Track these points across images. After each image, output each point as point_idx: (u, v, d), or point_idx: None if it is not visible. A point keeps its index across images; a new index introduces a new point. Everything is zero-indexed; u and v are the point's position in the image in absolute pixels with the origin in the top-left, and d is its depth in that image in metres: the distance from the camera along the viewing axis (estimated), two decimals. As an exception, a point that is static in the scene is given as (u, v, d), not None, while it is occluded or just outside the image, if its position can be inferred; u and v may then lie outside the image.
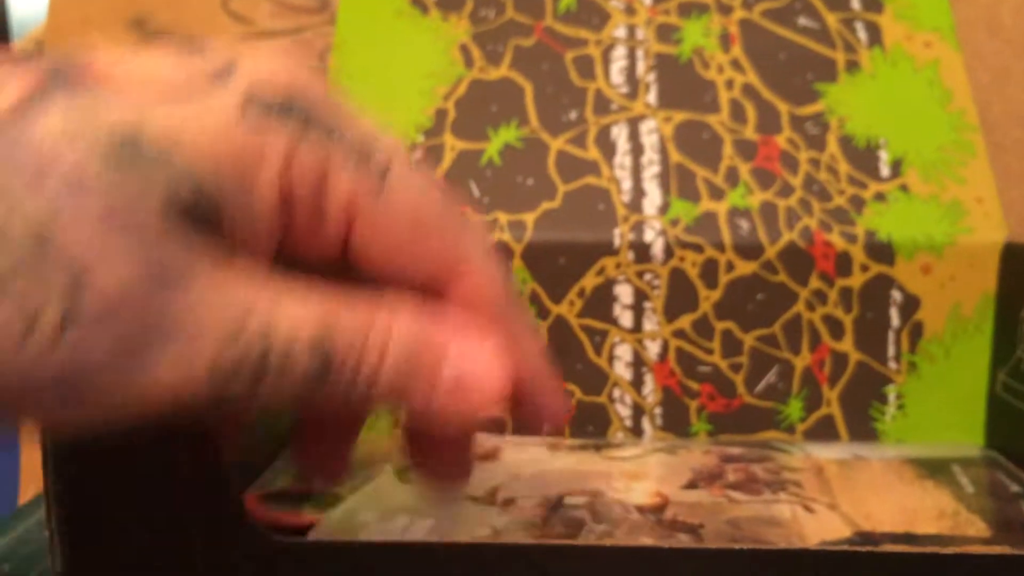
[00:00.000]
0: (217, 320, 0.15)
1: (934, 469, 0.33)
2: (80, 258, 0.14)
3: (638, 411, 0.35)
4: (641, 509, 0.28)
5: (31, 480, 0.58)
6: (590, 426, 0.35)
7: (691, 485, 0.31)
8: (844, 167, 0.36)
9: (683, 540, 0.26)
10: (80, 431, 0.16)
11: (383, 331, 0.16)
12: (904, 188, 0.36)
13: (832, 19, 0.39)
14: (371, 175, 0.17)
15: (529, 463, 0.32)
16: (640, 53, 0.38)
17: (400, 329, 0.17)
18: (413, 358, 0.17)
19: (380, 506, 0.28)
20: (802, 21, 0.39)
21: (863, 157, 0.37)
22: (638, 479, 0.31)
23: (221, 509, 0.20)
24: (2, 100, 0.15)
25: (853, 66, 0.38)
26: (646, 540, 0.26)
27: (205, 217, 0.15)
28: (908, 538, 0.27)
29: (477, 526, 0.26)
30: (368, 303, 0.17)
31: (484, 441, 0.34)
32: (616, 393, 0.35)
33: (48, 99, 0.15)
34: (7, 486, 0.55)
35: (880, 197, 0.36)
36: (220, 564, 0.20)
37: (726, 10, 0.39)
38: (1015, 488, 0.31)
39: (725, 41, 0.38)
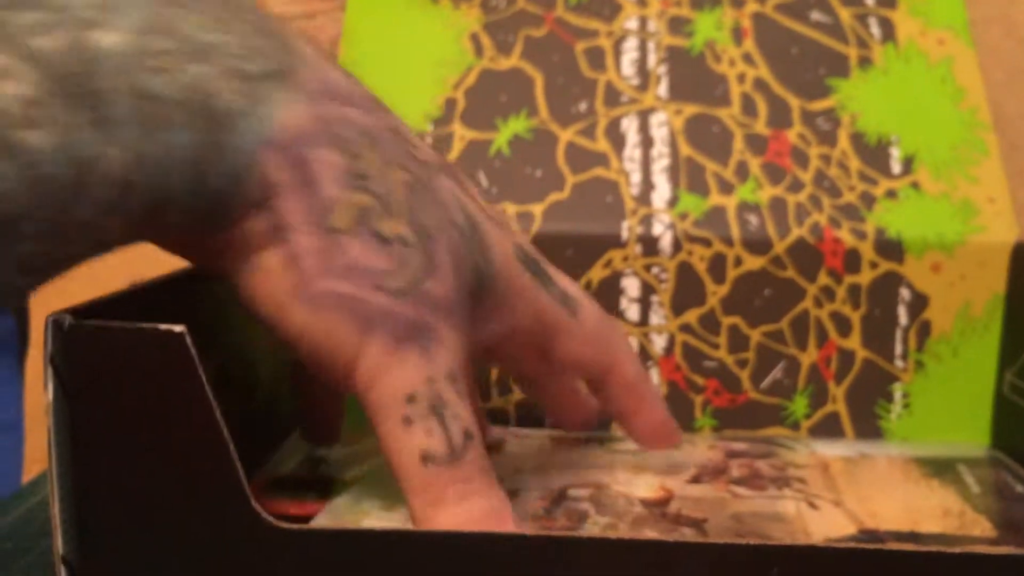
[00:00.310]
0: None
1: (940, 468, 0.33)
2: (442, 270, 0.22)
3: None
4: (645, 502, 0.28)
5: (36, 459, 0.58)
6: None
7: (695, 480, 0.31)
8: (855, 163, 0.36)
9: (687, 534, 0.26)
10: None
11: None
12: (915, 186, 0.36)
13: (845, 14, 0.38)
14: (568, 310, 0.26)
15: (533, 456, 0.32)
16: (651, 45, 0.38)
17: None
18: None
19: (385, 494, 0.28)
20: (815, 16, 0.38)
21: (874, 154, 0.36)
22: (642, 473, 0.31)
23: (226, 495, 0.20)
24: (426, 155, 0.23)
25: (866, 62, 0.38)
26: (650, 533, 0.26)
27: (480, 295, 0.24)
28: (913, 537, 0.27)
29: None
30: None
31: (488, 434, 0.34)
32: (621, 386, 0.35)
33: (443, 172, 0.24)
34: (12, 464, 0.56)
35: (891, 194, 0.36)
36: (224, 550, 0.20)
37: (739, 3, 0.38)
38: (1020, 488, 0.31)
39: (737, 34, 0.38)
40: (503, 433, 0.35)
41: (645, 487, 0.30)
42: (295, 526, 0.20)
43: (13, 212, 0.18)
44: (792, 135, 0.37)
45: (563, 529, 0.26)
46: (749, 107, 0.37)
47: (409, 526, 0.25)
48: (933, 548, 0.20)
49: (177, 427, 0.20)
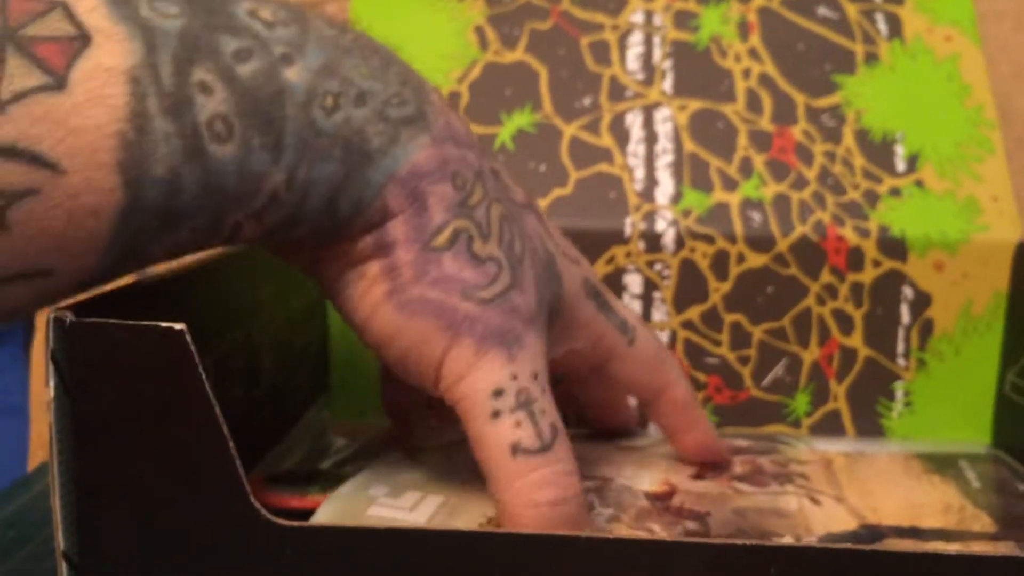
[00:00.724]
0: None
1: (941, 464, 0.33)
2: (527, 287, 0.25)
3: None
4: (649, 496, 0.29)
5: (40, 447, 0.58)
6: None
7: (698, 476, 0.31)
8: (859, 161, 0.36)
9: (690, 527, 0.27)
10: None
11: None
12: (919, 184, 0.36)
13: (852, 9, 0.38)
14: (626, 338, 0.29)
15: None
16: (657, 40, 0.38)
17: None
18: None
19: (390, 482, 0.28)
20: (822, 11, 0.38)
21: (879, 151, 0.36)
22: (647, 468, 0.31)
23: (225, 492, 0.20)
24: (518, 196, 0.27)
25: (872, 58, 0.37)
26: (653, 526, 0.26)
27: (552, 318, 0.26)
28: (913, 532, 0.27)
29: (485, 504, 0.26)
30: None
31: None
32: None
33: (529, 210, 0.27)
34: (17, 448, 0.56)
35: (895, 192, 0.36)
36: (223, 546, 0.20)
37: (745, -2, 0.38)
38: (1023, 487, 0.31)
39: (743, 29, 0.38)
40: None
41: (649, 481, 0.30)
42: (293, 523, 0.20)
43: (185, 208, 0.20)
44: (797, 132, 0.36)
45: None
46: (754, 103, 0.37)
47: (415, 513, 0.25)
48: (930, 549, 0.20)
49: (177, 425, 0.20)
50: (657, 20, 0.38)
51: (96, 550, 0.20)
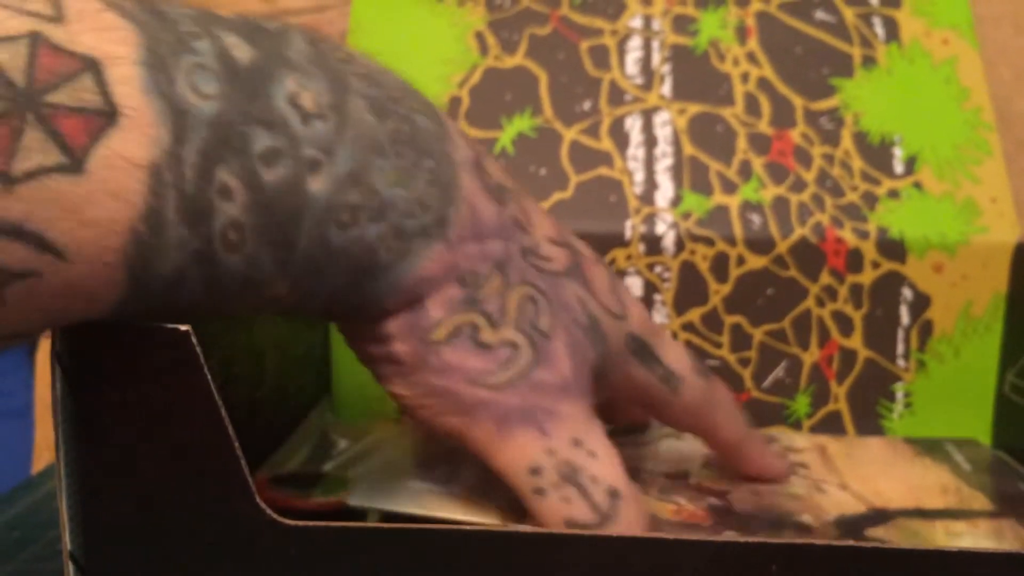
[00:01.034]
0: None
1: (929, 446, 0.33)
2: (555, 360, 0.24)
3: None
4: (666, 475, 0.29)
5: (45, 449, 0.58)
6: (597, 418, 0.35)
7: (706, 466, 0.31)
8: (858, 163, 0.36)
9: (713, 502, 0.27)
10: None
11: None
12: (918, 186, 0.36)
13: (849, 13, 0.38)
14: (670, 388, 0.28)
15: None
16: (656, 44, 0.38)
17: None
18: None
19: (414, 456, 0.28)
20: (819, 15, 0.38)
21: (877, 153, 0.36)
22: (652, 460, 0.32)
23: (230, 492, 0.20)
24: (555, 264, 0.25)
25: (869, 61, 0.38)
26: (679, 499, 0.27)
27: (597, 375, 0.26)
28: (920, 513, 0.27)
29: (511, 490, 0.26)
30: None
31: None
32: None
33: (570, 277, 0.26)
34: (22, 450, 0.56)
35: (893, 194, 0.36)
36: (228, 546, 0.20)
37: (743, 2, 0.38)
38: (1023, 485, 0.31)
39: (742, 33, 0.38)
40: None
41: (665, 463, 0.30)
42: (299, 523, 0.20)
43: (184, 302, 0.20)
44: (795, 135, 0.37)
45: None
46: (753, 106, 0.37)
47: (449, 485, 0.25)
48: (932, 548, 0.20)
49: (182, 425, 0.20)
50: (656, 25, 0.38)
51: (102, 550, 0.20)
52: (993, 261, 0.35)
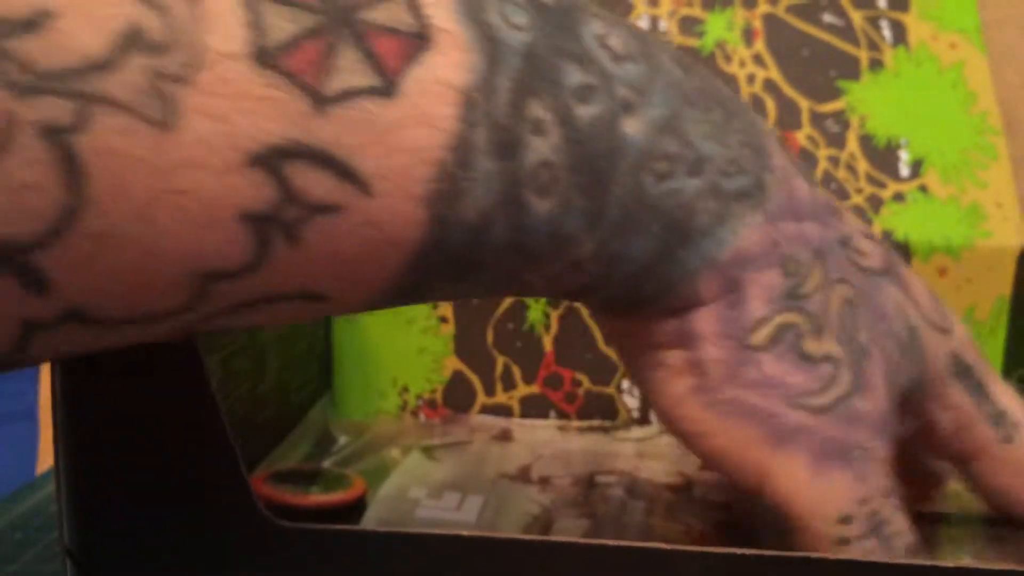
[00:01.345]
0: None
1: None
2: (873, 387, 0.21)
3: (646, 403, 0.35)
4: (670, 489, 0.29)
5: (49, 452, 0.59)
6: (597, 416, 0.35)
7: (703, 467, 0.31)
8: (863, 166, 0.36)
9: (720, 518, 0.27)
10: None
11: None
12: (923, 189, 0.36)
13: (857, 16, 0.38)
14: (1000, 433, 0.24)
15: (545, 443, 0.33)
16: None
17: None
18: None
19: (426, 483, 0.28)
20: (827, 18, 0.38)
21: (883, 156, 0.36)
22: (651, 459, 0.32)
23: (229, 492, 0.20)
24: (872, 261, 0.22)
25: (877, 64, 0.38)
26: (688, 519, 0.27)
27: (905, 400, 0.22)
28: (935, 516, 0.27)
29: (526, 503, 0.26)
30: None
31: (493, 424, 0.35)
32: (625, 384, 0.35)
33: (888, 277, 0.22)
34: (27, 453, 0.56)
35: (899, 197, 0.36)
36: (226, 546, 0.20)
37: (750, 4, 0.38)
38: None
39: (748, 35, 0.38)
40: (508, 424, 0.35)
41: (662, 473, 0.30)
42: (296, 525, 0.20)
43: (482, 261, 0.18)
44: (801, 137, 0.37)
45: (604, 516, 0.27)
46: (758, 108, 0.37)
47: (460, 514, 0.26)
48: (928, 562, 0.20)
49: (181, 424, 0.20)
50: (662, 26, 0.38)
51: (100, 547, 0.20)
52: (998, 265, 0.35)
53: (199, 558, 0.20)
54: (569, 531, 0.26)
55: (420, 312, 0.36)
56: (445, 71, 0.16)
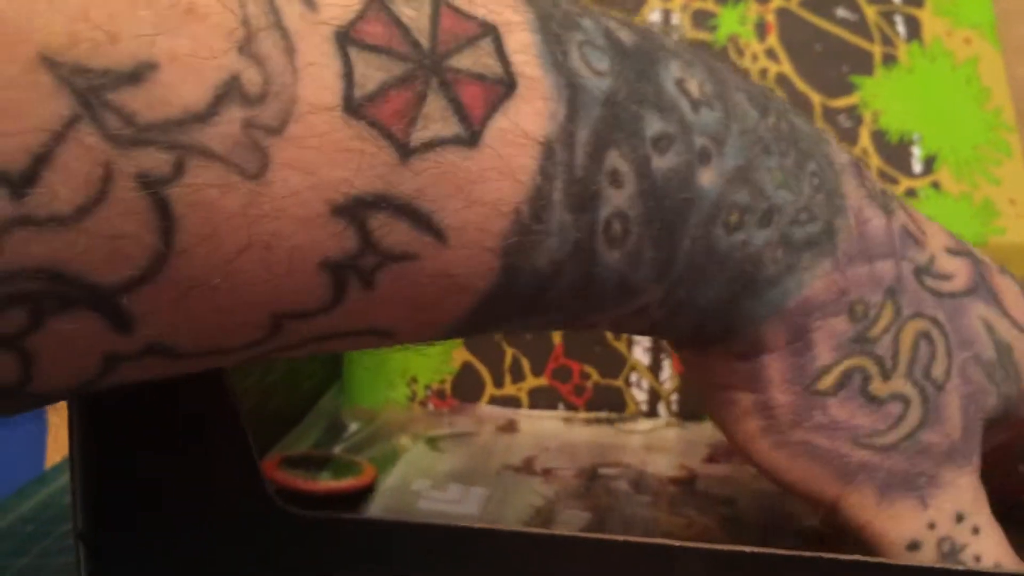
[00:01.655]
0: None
1: None
2: (946, 418, 0.21)
3: (654, 396, 0.35)
4: (673, 482, 0.29)
5: (57, 446, 0.59)
6: (606, 409, 0.35)
7: (711, 460, 0.31)
8: (876, 161, 0.36)
9: (723, 512, 0.27)
10: None
11: None
12: (936, 185, 0.36)
13: (871, 11, 0.38)
14: None
15: (550, 435, 0.33)
16: (674, 38, 0.38)
17: None
18: None
19: (430, 475, 0.29)
20: (840, 12, 0.38)
21: (895, 152, 0.36)
22: (657, 451, 0.32)
23: (240, 478, 0.20)
24: (957, 283, 0.22)
25: (890, 60, 0.37)
26: (690, 512, 0.27)
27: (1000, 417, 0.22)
28: None
29: (529, 495, 0.26)
30: None
31: (500, 414, 0.35)
32: (633, 377, 0.35)
33: (974, 295, 0.22)
34: (35, 449, 0.56)
35: (911, 193, 0.35)
36: (237, 532, 0.21)
37: (764, -2, 0.38)
38: None
39: (761, 30, 0.38)
40: (514, 414, 0.35)
41: (666, 465, 0.30)
42: (307, 512, 0.21)
43: (550, 303, 0.18)
44: (813, 132, 0.36)
45: (608, 507, 0.27)
46: (771, 102, 0.37)
47: (462, 505, 0.26)
48: (935, 564, 0.20)
49: (193, 409, 0.20)
50: (675, 19, 0.38)
51: (111, 531, 0.21)
52: (1011, 263, 0.35)
53: (209, 543, 0.21)
54: (571, 524, 0.26)
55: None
56: (528, 120, 0.16)
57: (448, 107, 0.15)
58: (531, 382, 0.36)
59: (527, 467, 0.30)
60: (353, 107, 0.14)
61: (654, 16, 0.38)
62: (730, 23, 0.38)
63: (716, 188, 0.18)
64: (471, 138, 0.15)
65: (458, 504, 0.27)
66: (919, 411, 0.21)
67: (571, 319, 0.19)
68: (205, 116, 0.13)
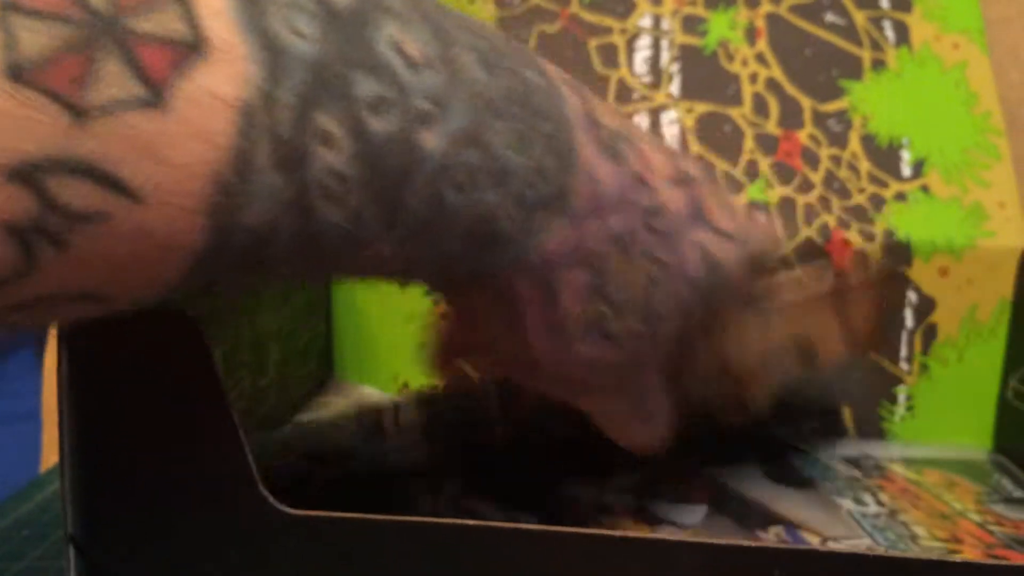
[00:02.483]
0: None
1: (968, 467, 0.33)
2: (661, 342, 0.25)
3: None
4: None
5: (53, 449, 0.58)
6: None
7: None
8: (865, 165, 0.36)
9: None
10: None
11: None
12: (925, 189, 0.36)
13: (860, 16, 0.38)
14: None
15: None
16: (665, 43, 0.38)
17: None
18: None
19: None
20: (830, 17, 0.38)
21: (885, 156, 0.36)
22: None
23: (233, 479, 0.20)
24: (674, 217, 0.24)
25: (879, 64, 0.38)
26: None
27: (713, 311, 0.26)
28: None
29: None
30: None
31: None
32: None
33: (688, 225, 0.25)
34: (30, 453, 0.56)
35: (900, 197, 0.36)
36: (230, 532, 0.20)
37: (753, 3, 0.38)
38: (1018, 493, 0.31)
39: (751, 34, 0.38)
40: None
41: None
42: (301, 512, 0.20)
43: (275, 257, 0.18)
44: (803, 136, 0.37)
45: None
46: (760, 107, 0.37)
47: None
48: (934, 556, 0.20)
49: (187, 410, 0.20)
50: (665, 24, 0.38)
51: (103, 534, 0.20)
52: (1000, 266, 0.35)
53: (203, 545, 0.21)
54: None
55: (420, 308, 0.36)
56: (219, 83, 0.16)
57: (127, 70, 0.15)
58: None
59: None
60: (18, 74, 0.15)
61: (645, 21, 0.39)
62: (720, 28, 0.38)
63: (440, 150, 0.19)
64: (155, 99, 0.15)
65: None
66: (646, 342, 0.24)
67: (307, 271, 0.20)
68: None
